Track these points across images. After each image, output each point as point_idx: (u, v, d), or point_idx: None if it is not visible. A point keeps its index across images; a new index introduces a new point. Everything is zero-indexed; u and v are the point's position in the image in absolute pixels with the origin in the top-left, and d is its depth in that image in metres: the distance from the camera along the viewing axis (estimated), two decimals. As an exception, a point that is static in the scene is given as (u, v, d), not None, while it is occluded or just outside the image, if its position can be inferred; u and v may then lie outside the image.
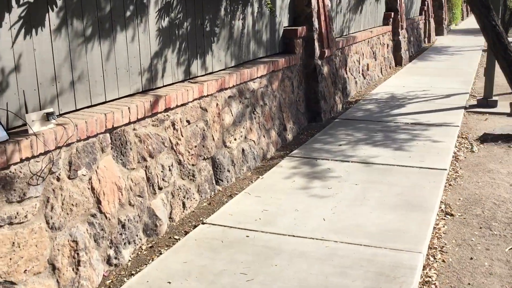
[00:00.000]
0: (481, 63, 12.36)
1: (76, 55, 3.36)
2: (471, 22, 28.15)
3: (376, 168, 4.99)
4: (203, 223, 3.90)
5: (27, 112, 2.98)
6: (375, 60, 10.61)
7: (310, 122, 6.98)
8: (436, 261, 3.38)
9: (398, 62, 12.14)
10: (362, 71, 9.68)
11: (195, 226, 3.94)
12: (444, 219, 4.02)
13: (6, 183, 2.72)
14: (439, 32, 19.26)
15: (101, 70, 3.59)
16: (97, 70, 3.56)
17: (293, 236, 3.63)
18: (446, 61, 12.41)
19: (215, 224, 3.85)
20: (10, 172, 2.76)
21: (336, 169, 4.97)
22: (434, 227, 3.82)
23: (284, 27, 6.68)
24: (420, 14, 16.50)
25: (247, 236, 3.64)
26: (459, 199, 4.41)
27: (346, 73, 8.69)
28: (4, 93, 2.88)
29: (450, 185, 4.70)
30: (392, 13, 11.95)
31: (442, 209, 4.17)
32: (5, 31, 2.86)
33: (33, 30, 3.04)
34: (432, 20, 17.99)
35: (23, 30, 2.96)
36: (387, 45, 11.72)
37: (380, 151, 5.50)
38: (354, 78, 9.15)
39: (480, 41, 17.14)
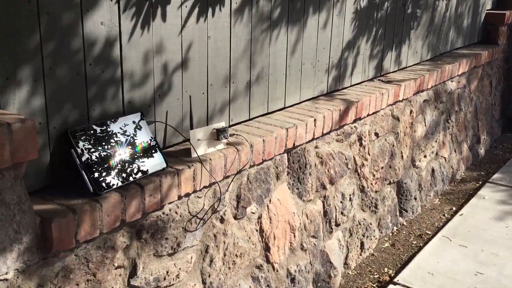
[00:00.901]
0: None
1: (258, 45, 2.45)
2: None
3: None
4: (394, 283, 2.88)
5: (192, 127, 2.14)
6: None
7: (504, 132, 5.57)
8: None
9: None
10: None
11: (380, 283, 2.94)
12: None
13: (156, 230, 1.92)
14: None
15: (284, 66, 2.66)
16: (280, 66, 2.63)
17: (537, 334, 2.47)
18: None
19: (412, 288, 2.81)
20: (164, 214, 1.94)
21: None
22: None
23: (487, 10, 5.27)
24: None
25: (464, 321, 2.56)
26: None
27: (546, 69, 6.98)
28: (164, 98, 2.05)
29: None
30: None
31: None
32: (174, 10, 2.01)
33: (210, 10, 2.16)
34: None
35: (196, 9, 2.10)
36: None
37: None
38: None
39: None
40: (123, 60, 1.86)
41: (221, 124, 2.16)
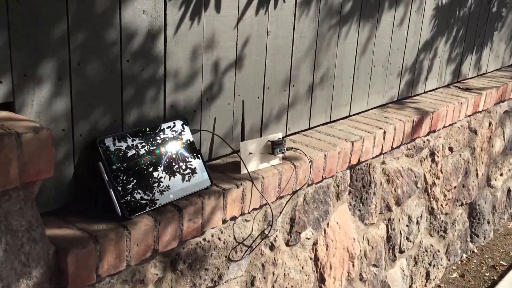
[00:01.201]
0: None
1: (324, 44, 2.10)
2: None
3: None
4: (464, 324, 2.49)
5: (243, 136, 1.82)
6: None
7: None
8: None
9: None
10: None
11: (447, 321, 2.55)
12: None
13: (195, 260, 1.62)
14: None
15: (353, 68, 2.30)
16: (347, 68, 2.27)
17: None
18: None
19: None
20: (205, 240, 1.64)
21: None
22: None
23: None
24: None
25: None
26: None
27: None
28: (212, 102, 1.74)
29: None
30: None
31: None
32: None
33: (272, 1, 1.83)
34: None
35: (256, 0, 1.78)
36: None
37: None
38: None
39: None
40: (167, 56, 1.57)
41: (277, 135, 1.83)
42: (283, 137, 1.89)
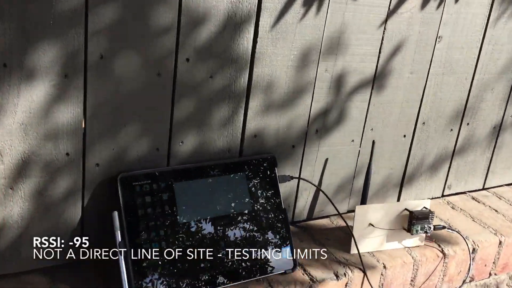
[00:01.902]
0: None
1: (532, 64, 1.34)
2: None
3: None
4: None
5: (364, 197, 1.17)
6: None
7: None
8: None
9: None
10: None
11: None
12: None
13: None
14: None
15: None
16: None
17: None
18: None
19: None
20: None
21: None
22: None
23: None
24: None
25: None
26: None
27: None
28: (324, 136, 1.13)
29: None
30: None
31: None
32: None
33: (451, -13, 1.14)
34: None
35: (424, -17, 1.10)
36: None
37: None
38: None
39: None
40: (257, 59, 1.00)
41: (423, 203, 1.14)
42: (432, 212, 1.19)
